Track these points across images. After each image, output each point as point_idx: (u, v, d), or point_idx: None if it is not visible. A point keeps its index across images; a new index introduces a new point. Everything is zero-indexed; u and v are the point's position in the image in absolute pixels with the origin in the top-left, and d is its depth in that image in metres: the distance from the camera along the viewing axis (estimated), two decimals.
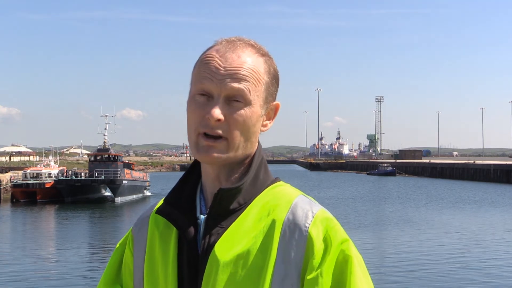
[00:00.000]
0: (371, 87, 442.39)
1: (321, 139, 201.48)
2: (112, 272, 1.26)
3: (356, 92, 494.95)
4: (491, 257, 16.57)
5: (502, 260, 16.08)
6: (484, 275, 13.96)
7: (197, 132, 1.12)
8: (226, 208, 1.13)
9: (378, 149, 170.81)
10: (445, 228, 23.42)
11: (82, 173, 44.93)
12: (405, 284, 13.06)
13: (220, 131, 1.10)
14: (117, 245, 1.29)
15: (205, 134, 1.11)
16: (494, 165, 68.16)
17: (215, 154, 1.11)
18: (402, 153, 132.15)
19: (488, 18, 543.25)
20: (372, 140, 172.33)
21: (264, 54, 1.17)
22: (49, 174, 43.17)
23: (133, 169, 49.54)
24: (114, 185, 42.04)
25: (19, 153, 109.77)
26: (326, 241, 1.08)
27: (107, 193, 45.01)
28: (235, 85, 1.10)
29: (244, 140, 1.13)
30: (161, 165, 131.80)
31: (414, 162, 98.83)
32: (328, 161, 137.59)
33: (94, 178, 42.51)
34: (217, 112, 1.09)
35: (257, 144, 1.19)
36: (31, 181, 41.47)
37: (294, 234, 1.08)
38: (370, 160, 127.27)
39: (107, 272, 1.27)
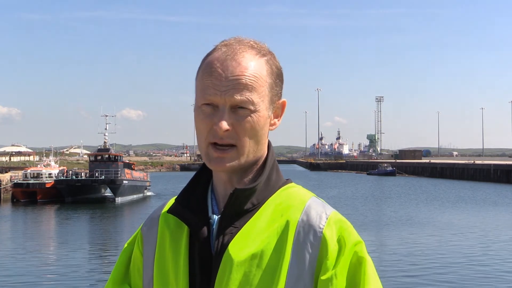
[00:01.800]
0: (371, 87, 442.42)
1: (321, 139, 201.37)
2: (121, 272, 1.26)
3: (356, 92, 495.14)
4: (494, 256, 16.58)
5: (505, 259, 16.07)
6: (487, 274, 13.96)
7: (207, 141, 1.13)
8: (240, 208, 1.13)
9: (378, 149, 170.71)
10: (446, 227, 23.42)
11: (82, 173, 44.95)
12: (408, 284, 13.07)
13: (229, 140, 1.11)
14: (125, 245, 1.29)
15: (215, 144, 1.12)
16: (494, 165, 68.15)
17: (228, 164, 1.12)
18: (402, 153, 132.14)
19: (488, 18, 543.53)
20: (372, 140, 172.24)
21: (265, 54, 1.16)
22: (50, 174, 43.17)
23: (133, 169, 49.53)
24: (115, 185, 42.04)
25: (19, 153, 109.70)
26: (340, 243, 1.09)
27: (108, 193, 45.02)
28: (239, 94, 1.10)
29: (254, 144, 1.14)
30: (161, 165, 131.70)
31: (414, 162, 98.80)
32: (328, 161, 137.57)
33: (94, 178, 42.51)
34: (224, 124, 1.10)
35: (267, 145, 1.20)
36: (32, 181, 41.48)
37: (309, 235, 1.09)
38: (370, 160, 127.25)
39: (115, 272, 1.27)
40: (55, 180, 41.91)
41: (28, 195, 40.46)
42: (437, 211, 30.79)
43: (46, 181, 41.50)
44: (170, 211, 1.20)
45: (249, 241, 1.10)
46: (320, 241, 1.09)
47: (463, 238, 20.55)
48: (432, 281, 13.27)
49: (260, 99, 1.12)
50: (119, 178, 42.34)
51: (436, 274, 14.06)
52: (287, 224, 1.11)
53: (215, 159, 1.12)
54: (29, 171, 44.40)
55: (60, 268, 15.68)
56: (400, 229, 23.18)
